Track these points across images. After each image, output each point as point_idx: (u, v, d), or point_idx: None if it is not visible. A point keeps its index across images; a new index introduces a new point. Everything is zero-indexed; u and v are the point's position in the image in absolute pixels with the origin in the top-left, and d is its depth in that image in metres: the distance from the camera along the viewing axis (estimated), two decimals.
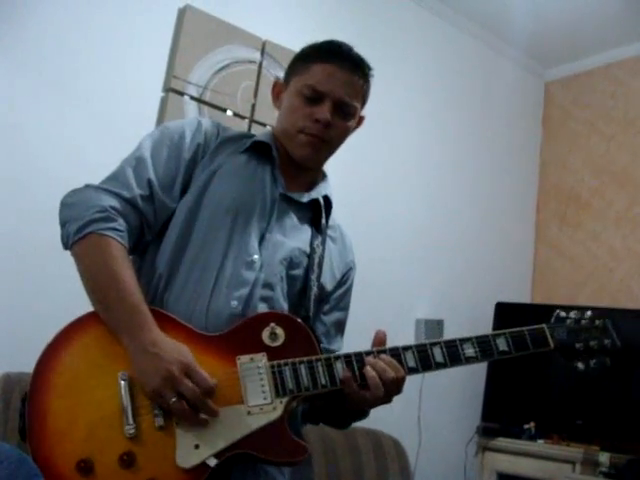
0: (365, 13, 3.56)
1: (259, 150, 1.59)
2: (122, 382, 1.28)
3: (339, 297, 1.65)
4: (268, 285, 1.45)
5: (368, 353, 1.37)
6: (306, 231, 1.58)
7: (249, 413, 1.29)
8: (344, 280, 1.66)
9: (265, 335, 1.36)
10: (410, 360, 1.38)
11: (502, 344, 1.44)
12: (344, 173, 3.48)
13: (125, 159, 1.52)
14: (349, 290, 1.69)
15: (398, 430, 2.81)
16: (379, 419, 3.01)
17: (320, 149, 1.59)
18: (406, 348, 1.39)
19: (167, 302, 1.41)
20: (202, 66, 2.91)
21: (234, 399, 1.30)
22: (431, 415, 3.49)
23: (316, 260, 1.55)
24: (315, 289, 1.53)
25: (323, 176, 1.72)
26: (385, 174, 3.55)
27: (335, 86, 1.55)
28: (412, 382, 3.96)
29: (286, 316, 1.41)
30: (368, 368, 1.35)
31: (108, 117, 2.66)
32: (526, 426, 3.35)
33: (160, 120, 2.78)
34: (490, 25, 4.03)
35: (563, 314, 1.51)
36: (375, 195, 3.46)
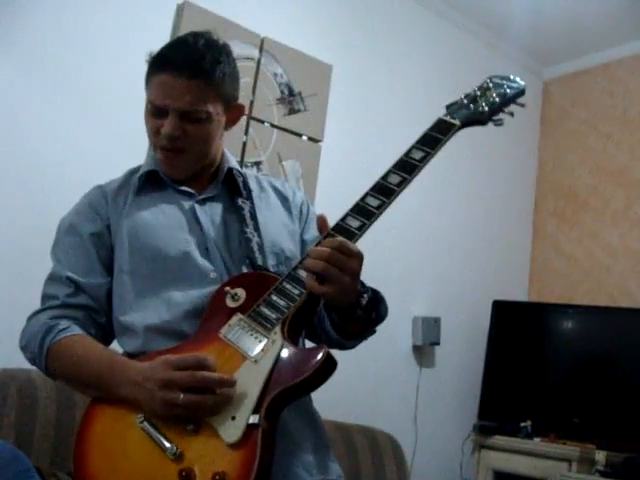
0: (364, 10, 3.55)
1: (151, 180, 1.58)
2: (142, 423, 1.29)
3: (306, 231, 1.67)
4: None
5: (317, 243, 1.35)
6: (232, 209, 1.58)
7: (256, 361, 1.28)
8: (302, 219, 1.68)
9: (229, 301, 1.38)
10: (353, 222, 1.38)
11: (417, 154, 1.50)
12: (343, 171, 3.50)
13: (45, 281, 1.56)
14: (311, 222, 1.68)
15: (395, 427, 2.81)
16: (376, 416, 3.02)
17: (175, 161, 1.54)
18: (344, 217, 1.38)
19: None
20: None
21: (239, 362, 1.30)
22: (428, 413, 3.50)
23: (247, 215, 1.56)
24: (256, 238, 1.52)
25: (222, 156, 1.66)
26: (383, 170, 3.55)
27: (172, 98, 1.46)
28: (409, 379, 3.96)
29: (233, 277, 1.44)
30: (307, 259, 1.31)
31: (107, 114, 2.66)
32: (523, 424, 3.36)
33: None
34: (489, 23, 4.03)
35: (452, 101, 1.57)
36: None
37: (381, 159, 3.76)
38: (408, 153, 1.48)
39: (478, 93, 1.56)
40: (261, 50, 3.08)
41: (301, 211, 1.69)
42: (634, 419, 3.20)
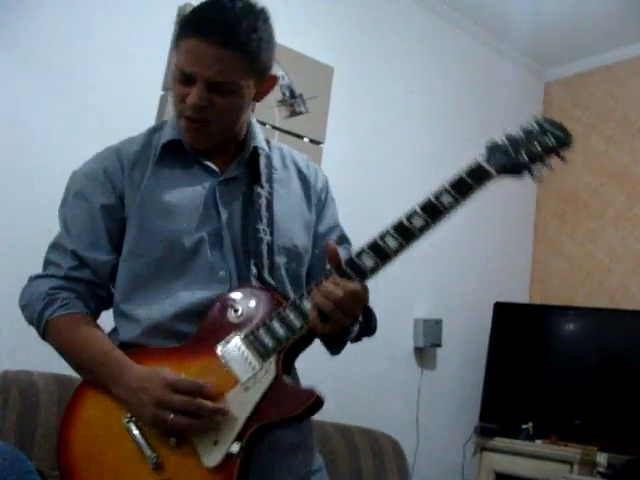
0: (365, 13, 3.55)
1: (173, 148, 1.50)
2: (128, 424, 1.31)
3: (321, 221, 1.62)
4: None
5: (327, 275, 1.32)
6: (249, 195, 1.52)
7: (246, 389, 1.29)
8: (321, 206, 1.63)
9: (230, 315, 1.37)
10: (368, 261, 1.33)
11: (446, 198, 1.40)
12: (344, 174, 3.49)
13: (50, 243, 1.53)
14: (328, 206, 1.65)
15: (396, 430, 2.81)
16: (377, 418, 3.02)
17: (203, 131, 1.45)
18: (359, 253, 1.34)
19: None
20: None
21: (230, 384, 1.30)
22: (429, 415, 3.49)
23: (263, 206, 1.49)
24: (267, 237, 1.48)
25: (248, 128, 1.56)
26: (384, 173, 3.55)
27: (202, 66, 1.35)
28: (410, 381, 3.96)
29: (237, 288, 1.41)
30: (316, 296, 1.29)
31: (108, 115, 2.66)
32: (524, 426, 3.35)
33: (160, 118, 2.77)
34: (490, 25, 4.03)
35: (496, 139, 1.46)
36: (374, 193, 3.46)
37: (382, 161, 3.77)
38: (438, 196, 1.39)
39: (522, 137, 1.44)
40: None
41: (319, 198, 1.63)
42: (636, 421, 3.20)
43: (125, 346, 1.42)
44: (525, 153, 1.41)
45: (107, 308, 1.53)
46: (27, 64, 2.53)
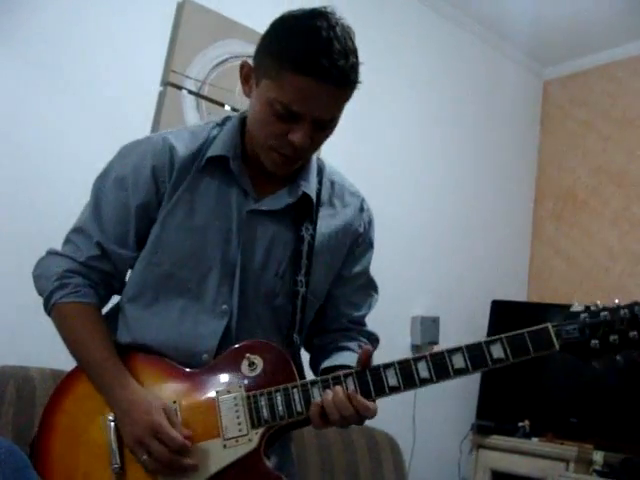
0: (364, 10, 3.55)
1: (218, 163, 1.43)
2: (109, 423, 1.33)
3: (352, 262, 1.56)
4: (243, 327, 1.42)
5: (347, 375, 1.30)
6: (286, 234, 1.45)
7: (225, 447, 1.29)
8: (355, 248, 1.55)
9: (244, 365, 1.35)
10: (391, 378, 1.29)
11: (497, 351, 1.27)
12: (344, 169, 3.49)
13: (75, 223, 1.50)
14: (363, 253, 1.58)
15: (393, 427, 2.81)
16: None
17: (292, 167, 1.42)
18: (387, 366, 1.29)
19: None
20: (201, 60, 2.90)
21: (212, 434, 1.30)
22: (426, 412, 3.49)
23: (304, 254, 1.44)
24: (303, 289, 1.44)
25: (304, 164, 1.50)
26: (383, 171, 3.55)
27: (314, 106, 1.30)
28: None
29: (262, 343, 1.38)
30: (327, 402, 1.27)
31: (106, 111, 2.66)
32: (520, 424, 3.36)
33: (158, 114, 2.77)
34: (489, 23, 4.02)
35: (579, 308, 1.27)
36: (373, 192, 3.44)
37: (381, 159, 3.76)
38: (489, 343, 1.27)
39: (607, 317, 1.23)
40: None
41: (357, 241, 1.56)
42: (632, 419, 3.20)
43: (120, 346, 1.42)
44: (599, 340, 1.23)
45: (119, 294, 1.52)
46: (26, 61, 2.52)
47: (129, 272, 1.52)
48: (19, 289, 2.38)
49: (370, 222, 1.60)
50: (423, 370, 1.27)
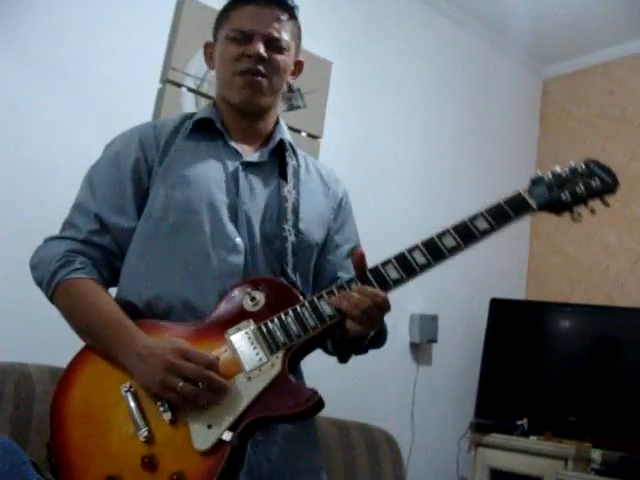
0: (364, 7, 3.55)
1: (204, 126, 1.58)
2: (126, 393, 1.31)
3: (339, 230, 1.66)
4: (255, 264, 1.47)
5: (350, 281, 1.35)
6: (275, 186, 1.57)
7: (249, 379, 1.29)
8: (337, 213, 1.67)
9: (246, 303, 1.37)
10: (392, 272, 1.37)
11: (482, 224, 1.40)
12: (342, 168, 3.48)
13: (72, 205, 1.54)
14: (348, 219, 1.69)
15: (391, 425, 2.81)
16: (373, 413, 3.02)
17: (259, 86, 1.55)
18: (385, 263, 1.37)
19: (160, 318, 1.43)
20: (200, 58, 2.84)
21: (233, 371, 1.30)
22: (424, 410, 3.50)
23: (289, 207, 1.53)
24: (292, 237, 1.51)
25: (276, 123, 1.67)
26: (383, 168, 3.55)
27: (261, 24, 1.54)
28: (406, 377, 3.96)
29: (259, 278, 1.42)
30: (342, 302, 1.32)
31: (106, 108, 2.66)
32: (519, 422, 3.36)
33: (157, 111, 2.77)
34: (489, 21, 4.03)
35: (539, 174, 1.45)
36: (372, 188, 3.46)
37: (380, 156, 3.76)
38: (473, 219, 1.41)
39: (568, 176, 1.43)
40: None
41: (340, 205, 1.68)
42: (630, 418, 3.21)
43: (133, 306, 1.43)
44: (569, 192, 1.42)
45: (117, 281, 1.53)
46: (24, 56, 2.52)
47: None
48: (18, 285, 2.39)
49: (345, 191, 1.74)
50: (419, 257, 1.37)
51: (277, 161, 1.60)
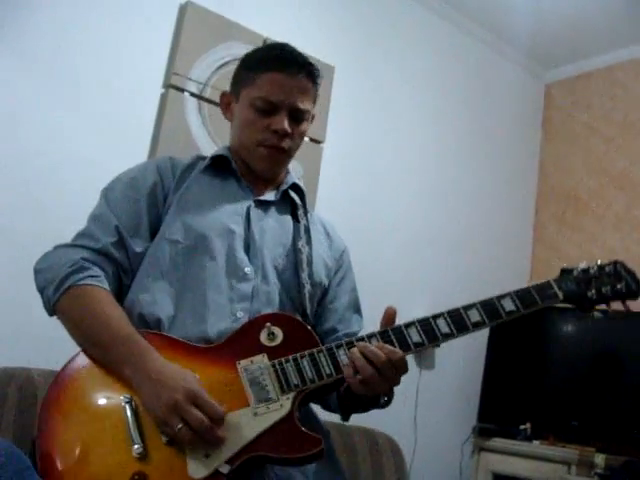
0: (366, 11, 3.55)
1: (219, 165, 1.62)
2: (126, 405, 1.28)
3: (339, 282, 1.68)
4: (266, 292, 1.49)
5: (371, 336, 1.35)
6: (287, 229, 1.61)
7: (256, 414, 1.28)
8: (339, 265, 1.70)
9: (263, 336, 1.36)
10: (414, 335, 1.35)
11: (508, 304, 1.39)
12: (344, 173, 3.50)
13: (88, 217, 1.54)
14: (348, 272, 1.72)
15: (394, 429, 2.81)
16: (375, 418, 3.01)
17: (279, 160, 1.61)
18: (409, 325, 1.35)
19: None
20: (203, 63, 2.90)
21: (240, 403, 1.29)
22: (427, 414, 3.49)
23: (304, 260, 1.56)
24: (308, 287, 1.54)
25: (286, 172, 1.72)
26: (385, 172, 3.55)
27: (287, 95, 1.55)
28: (409, 381, 3.95)
29: (281, 315, 1.41)
30: (355, 352, 1.31)
31: (108, 113, 2.66)
32: (522, 427, 3.35)
33: (160, 116, 2.78)
34: (491, 26, 4.03)
35: (569, 267, 1.49)
36: (374, 193, 3.46)
37: (382, 160, 3.76)
38: (501, 298, 1.41)
39: (595, 273, 1.48)
40: None
41: (342, 257, 1.72)
42: (634, 422, 3.20)
43: (143, 320, 1.43)
44: (595, 291, 1.44)
45: (121, 296, 1.52)
46: (27, 61, 2.53)
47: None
48: (21, 290, 2.39)
49: (346, 247, 1.78)
50: (443, 326, 1.35)
51: (288, 201, 1.66)
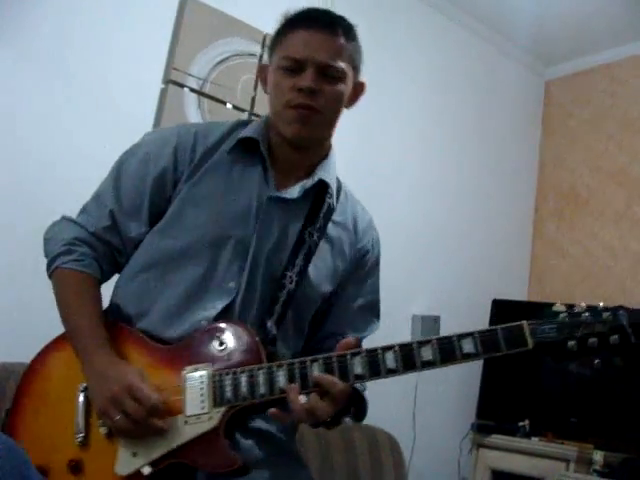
0: (366, 8, 3.54)
1: (248, 146, 1.50)
2: (80, 394, 1.35)
3: (356, 283, 1.59)
4: (246, 305, 1.43)
5: (314, 360, 1.27)
6: (296, 229, 1.50)
7: (186, 423, 1.29)
8: (359, 266, 1.59)
9: (214, 344, 1.35)
10: (357, 366, 1.25)
11: (468, 346, 1.25)
12: (344, 170, 3.48)
13: (94, 192, 1.54)
14: (369, 275, 1.62)
15: (393, 426, 2.81)
16: (374, 415, 3.01)
17: (310, 120, 1.46)
18: (355, 354, 1.26)
19: (142, 324, 1.44)
20: (202, 58, 2.90)
21: (175, 410, 1.30)
22: (426, 411, 3.49)
23: (302, 252, 1.47)
24: (291, 286, 1.46)
25: (325, 155, 1.60)
26: (385, 169, 3.55)
27: (313, 50, 1.43)
28: (408, 378, 3.95)
29: (234, 323, 1.38)
30: (294, 400, 1.25)
31: (108, 108, 2.66)
32: (521, 424, 3.36)
33: (159, 112, 2.77)
34: (492, 23, 4.02)
35: (560, 308, 1.23)
36: (374, 190, 3.45)
37: (381, 160, 3.76)
38: (460, 338, 1.25)
39: (588, 319, 1.20)
40: (263, 47, 3.06)
41: (364, 256, 1.60)
42: (632, 419, 3.20)
43: (117, 308, 1.46)
44: (577, 341, 1.20)
45: (119, 272, 1.54)
46: (26, 57, 2.52)
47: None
48: (20, 285, 2.40)
49: (378, 241, 1.66)
50: (390, 361, 1.25)
51: (311, 199, 1.53)
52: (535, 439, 3.29)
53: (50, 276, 1.47)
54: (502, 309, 3.70)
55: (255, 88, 3.03)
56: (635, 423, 3.19)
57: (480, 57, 4.11)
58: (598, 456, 3.05)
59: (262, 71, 1.57)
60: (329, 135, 1.59)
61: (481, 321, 3.67)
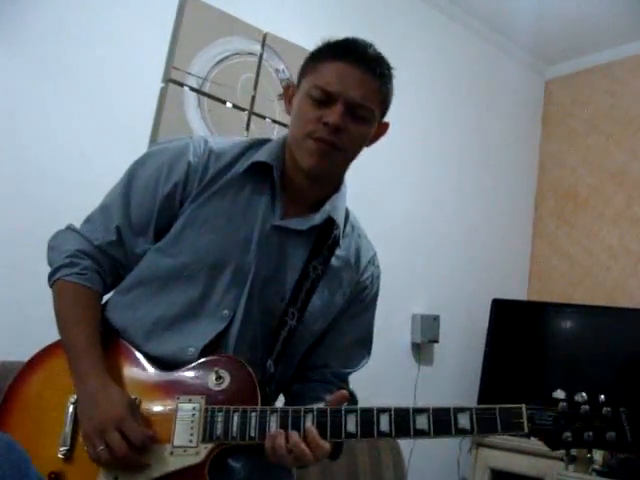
0: (367, 7, 3.55)
1: (260, 169, 1.46)
2: (70, 405, 1.33)
3: (351, 318, 1.57)
4: (243, 336, 1.41)
5: (308, 411, 1.27)
6: (299, 262, 1.47)
7: (172, 453, 1.28)
8: (356, 300, 1.57)
9: (211, 378, 1.34)
10: (351, 424, 1.24)
11: (464, 421, 1.21)
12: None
13: (101, 202, 1.51)
14: (366, 309, 1.60)
15: None
16: None
17: (329, 156, 1.41)
18: (350, 410, 1.26)
19: (140, 344, 1.42)
20: (202, 57, 2.90)
21: (164, 438, 1.29)
22: None
23: (304, 288, 1.45)
24: (292, 322, 1.44)
25: (336, 189, 1.54)
26: (385, 169, 3.55)
27: (347, 86, 1.38)
28: (408, 377, 3.96)
29: (233, 360, 1.36)
30: (280, 448, 1.25)
31: (107, 107, 2.66)
32: None
33: (159, 111, 2.77)
34: (492, 22, 4.02)
35: (561, 395, 1.28)
36: (374, 190, 3.46)
37: (384, 156, 3.76)
38: (459, 411, 1.22)
39: (587, 412, 1.23)
40: (263, 46, 3.07)
41: (362, 293, 1.58)
42: (631, 419, 3.20)
43: (107, 323, 1.44)
44: (572, 434, 1.21)
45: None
46: (25, 55, 2.52)
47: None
48: (19, 286, 2.40)
49: (378, 277, 1.63)
50: (385, 424, 1.24)
51: (317, 231, 1.49)
52: (534, 438, 3.28)
53: (51, 286, 1.46)
54: (502, 308, 3.70)
55: (255, 87, 3.03)
56: (634, 423, 3.19)
57: (480, 56, 4.11)
58: (597, 456, 3.05)
59: (288, 90, 1.52)
60: (344, 171, 1.55)
61: (481, 320, 3.68)
